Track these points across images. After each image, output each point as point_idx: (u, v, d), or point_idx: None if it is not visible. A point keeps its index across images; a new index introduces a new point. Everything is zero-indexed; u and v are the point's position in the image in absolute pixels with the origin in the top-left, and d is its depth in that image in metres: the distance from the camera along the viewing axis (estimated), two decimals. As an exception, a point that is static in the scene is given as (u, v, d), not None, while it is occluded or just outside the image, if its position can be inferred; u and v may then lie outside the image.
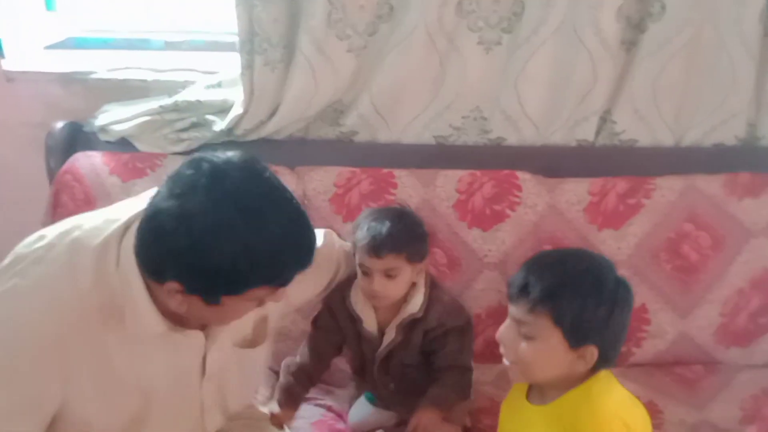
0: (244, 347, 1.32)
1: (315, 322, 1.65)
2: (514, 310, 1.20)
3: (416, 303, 1.54)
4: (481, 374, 1.71)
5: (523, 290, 1.18)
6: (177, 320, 1.17)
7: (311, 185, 1.87)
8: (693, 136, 1.93)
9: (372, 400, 1.68)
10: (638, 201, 1.83)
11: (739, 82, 1.86)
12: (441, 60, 1.88)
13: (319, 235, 1.42)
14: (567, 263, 1.21)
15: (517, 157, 1.92)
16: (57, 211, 1.90)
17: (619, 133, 1.93)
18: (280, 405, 1.53)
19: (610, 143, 1.95)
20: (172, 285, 1.06)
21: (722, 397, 1.70)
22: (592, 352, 1.16)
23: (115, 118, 1.96)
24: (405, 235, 1.49)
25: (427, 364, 1.58)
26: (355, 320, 1.58)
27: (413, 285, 1.55)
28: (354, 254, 1.53)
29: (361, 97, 1.92)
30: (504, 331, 1.23)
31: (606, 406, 1.18)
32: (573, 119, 1.91)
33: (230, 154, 1.07)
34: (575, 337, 1.16)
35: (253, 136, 1.93)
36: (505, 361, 1.25)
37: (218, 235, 1.00)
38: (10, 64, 2.09)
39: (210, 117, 1.94)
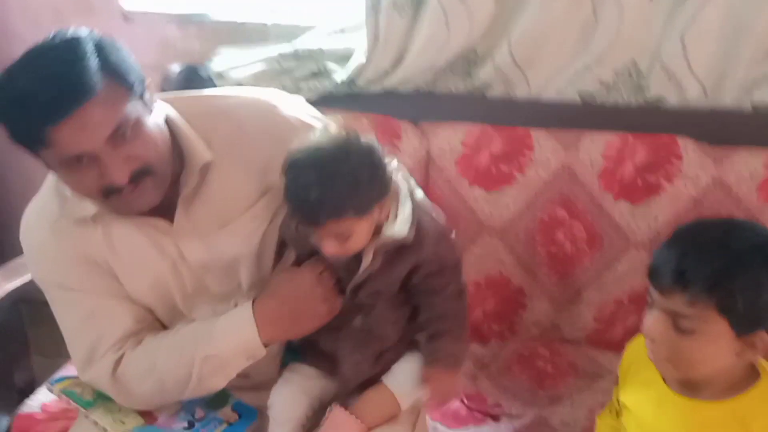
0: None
1: None
2: (664, 301, 1.05)
3: (402, 226, 1.16)
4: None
5: (679, 279, 1.02)
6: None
7: (436, 143, 1.75)
8: None
9: (296, 357, 1.34)
10: (825, 179, 1.57)
11: None
12: (593, 3, 1.68)
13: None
14: (730, 240, 1.04)
15: (678, 120, 1.70)
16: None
17: (807, 96, 1.65)
18: None
19: (794, 108, 1.68)
20: None
21: None
22: (762, 338, 1.03)
23: (232, 63, 1.88)
24: (344, 194, 1.10)
25: (402, 300, 1.25)
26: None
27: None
28: None
29: (499, 46, 1.74)
30: (653, 325, 1.07)
31: None
32: (750, 79, 1.66)
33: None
34: (745, 326, 1.02)
35: (377, 88, 1.80)
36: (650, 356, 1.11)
37: None
38: (128, 4, 2.08)
39: (331, 66, 1.83)
